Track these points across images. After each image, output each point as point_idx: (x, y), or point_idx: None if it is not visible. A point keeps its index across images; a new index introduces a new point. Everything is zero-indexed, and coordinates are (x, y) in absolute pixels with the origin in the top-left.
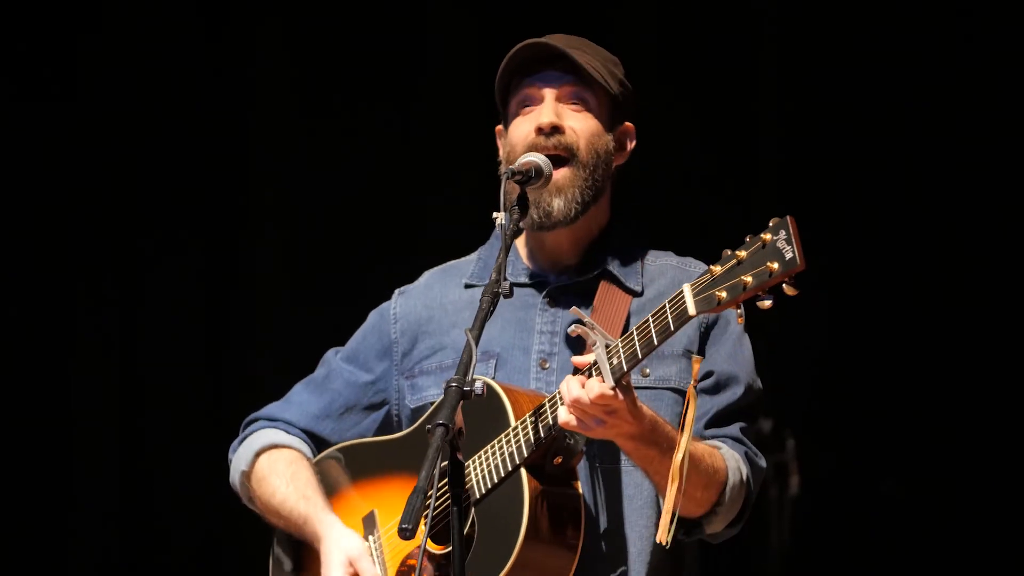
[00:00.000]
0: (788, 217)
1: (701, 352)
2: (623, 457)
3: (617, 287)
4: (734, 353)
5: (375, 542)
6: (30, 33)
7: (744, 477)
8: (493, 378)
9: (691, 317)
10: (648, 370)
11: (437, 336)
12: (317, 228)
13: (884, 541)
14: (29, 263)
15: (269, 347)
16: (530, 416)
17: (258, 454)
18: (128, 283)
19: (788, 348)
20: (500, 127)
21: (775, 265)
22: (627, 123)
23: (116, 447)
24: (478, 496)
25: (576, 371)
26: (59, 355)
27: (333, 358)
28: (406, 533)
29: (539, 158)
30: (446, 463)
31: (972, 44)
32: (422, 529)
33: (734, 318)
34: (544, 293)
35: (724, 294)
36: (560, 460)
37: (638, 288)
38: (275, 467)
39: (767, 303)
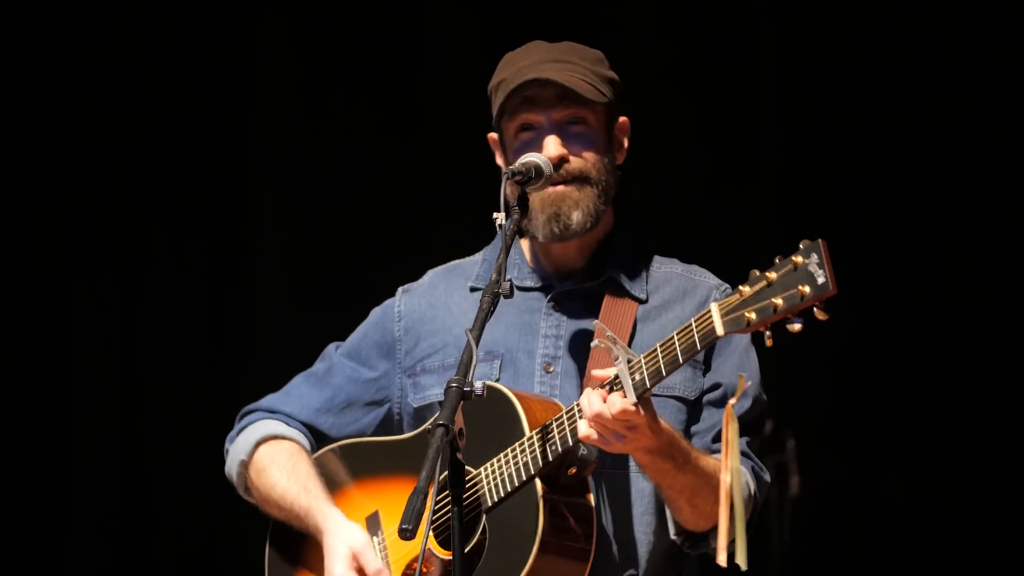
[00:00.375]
0: (820, 240)
1: (707, 363)
2: (630, 462)
3: (623, 294)
4: (742, 365)
5: (379, 543)
6: (30, 33)
7: (752, 492)
8: (498, 379)
9: (718, 337)
10: None
11: (440, 335)
12: (317, 228)
13: (884, 541)
14: (29, 263)
15: (269, 347)
16: (545, 427)
17: (258, 444)
18: (128, 283)
19: (787, 348)
20: (494, 136)
21: (807, 289)
22: (621, 119)
23: (116, 447)
24: (490, 504)
25: (592, 382)
26: (59, 355)
27: (334, 353)
28: (406, 534)
29: (539, 158)
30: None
31: (972, 44)
32: (421, 530)
33: None
34: (549, 297)
35: (753, 315)
36: (574, 471)
37: (643, 296)
38: (275, 459)
39: (797, 326)
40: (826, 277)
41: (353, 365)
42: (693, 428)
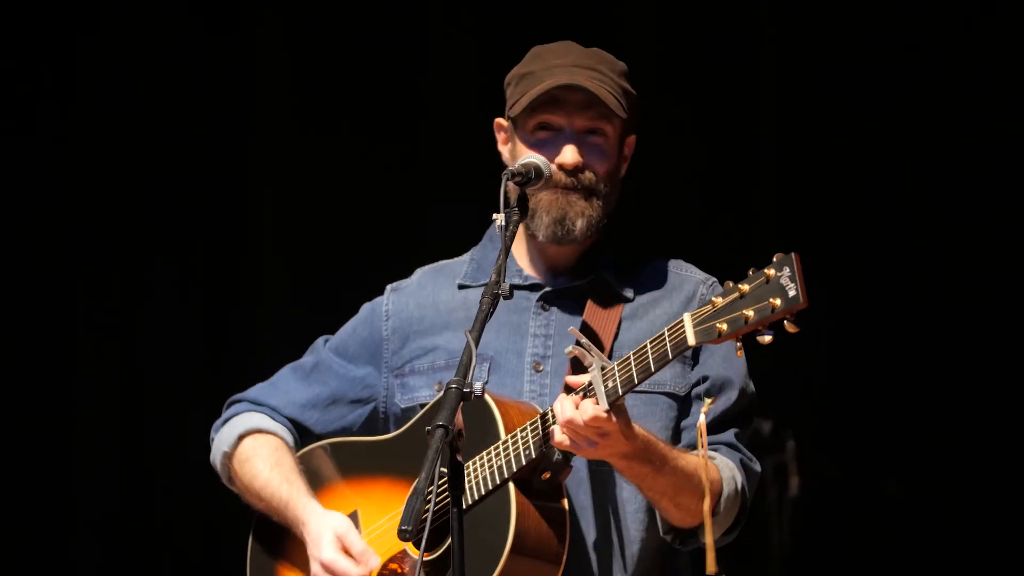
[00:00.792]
0: (793, 254)
1: (695, 356)
2: None
3: (610, 292)
4: (728, 357)
5: None
6: (30, 33)
7: (739, 486)
8: (487, 381)
9: (689, 347)
10: None
11: (429, 336)
12: (317, 228)
13: (884, 542)
14: (29, 263)
15: (269, 347)
16: (521, 431)
17: (242, 437)
18: (128, 283)
19: (787, 348)
20: (501, 120)
21: (777, 301)
22: (631, 136)
23: (116, 447)
24: (464, 506)
25: (567, 389)
26: (59, 355)
27: (322, 347)
28: (406, 535)
29: (539, 159)
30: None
31: (972, 44)
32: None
33: None
34: (538, 297)
35: (725, 327)
36: (548, 475)
37: (630, 294)
38: (259, 451)
39: (767, 338)
40: (797, 290)
41: (340, 362)
42: (683, 423)
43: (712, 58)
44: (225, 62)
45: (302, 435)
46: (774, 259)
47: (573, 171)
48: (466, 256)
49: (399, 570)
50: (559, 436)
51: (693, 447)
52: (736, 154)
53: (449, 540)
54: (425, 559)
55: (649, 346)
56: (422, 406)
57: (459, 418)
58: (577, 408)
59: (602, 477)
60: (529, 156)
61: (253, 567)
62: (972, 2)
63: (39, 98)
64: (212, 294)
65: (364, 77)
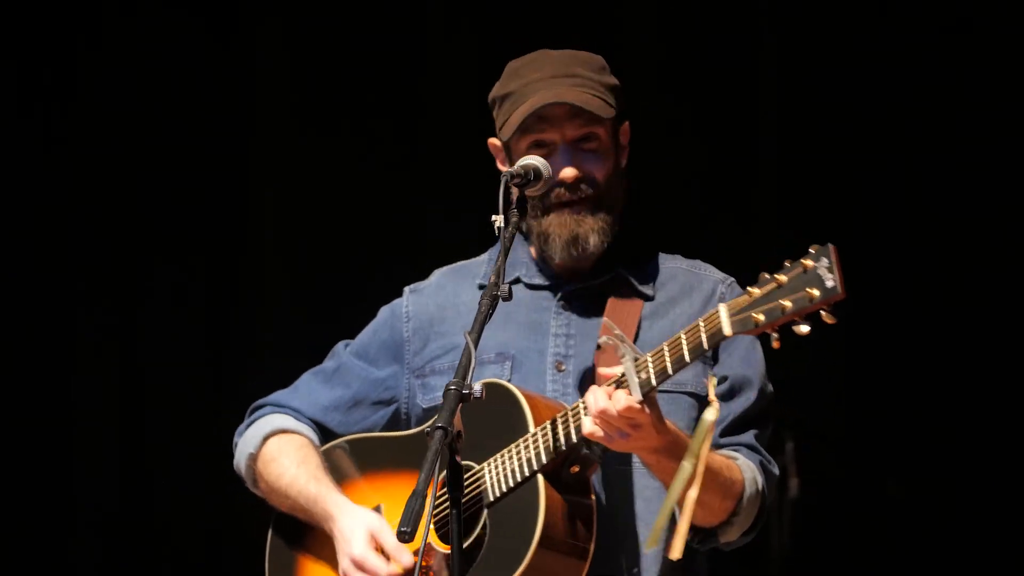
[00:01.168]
0: (830, 245)
1: (715, 357)
2: (634, 458)
3: (629, 291)
4: (747, 357)
5: None
6: (30, 33)
7: (760, 487)
8: (510, 379)
9: (725, 337)
10: None
11: (449, 336)
12: (317, 228)
13: (884, 543)
14: (29, 263)
15: (269, 347)
16: (550, 423)
17: (266, 438)
18: (128, 283)
19: (787, 349)
20: (495, 141)
21: (816, 292)
22: (624, 124)
23: (116, 447)
24: (492, 499)
25: (598, 381)
26: (59, 355)
27: (343, 351)
28: (405, 536)
29: (538, 160)
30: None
31: (972, 44)
32: (421, 529)
33: None
34: (558, 296)
35: (762, 317)
36: (577, 469)
37: (650, 292)
38: (284, 450)
39: (804, 329)
40: (835, 281)
41: (362, 364)
42: None
43: (712, 58)
44: (225, 62)
45: (325, 437)
46: (811, 250)
47: (574, 184)
48: (484, 256)
49: (424, 563)
50: (590, 427)
51: (714, 446)
52: (736, 154)
53: (476, 533)
54: (447, 552)
55: (684, 336)
56: None
57: (458, 419)
58: (610, 399)
59: (623, 477)
60: (528, 158)
61: (272, 562)
62: (972, 2)
63: (39, 98)
64: (212, 294)
65: (364, 77)
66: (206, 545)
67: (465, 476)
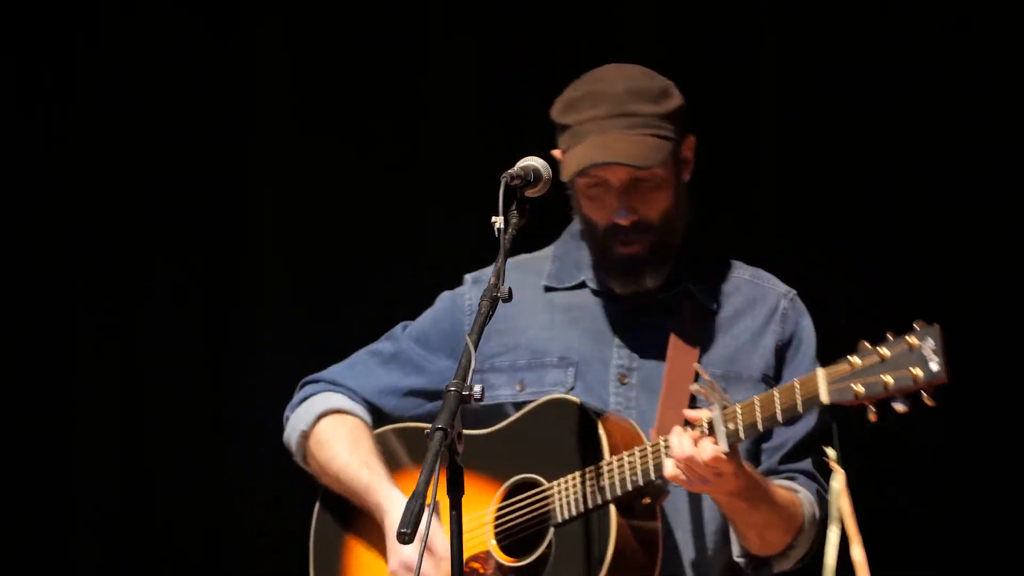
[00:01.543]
0: (937, 326)
1: (777, 377)
2: None
3: (696, 304)
4: None
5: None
6: (30, 33)
7: (817, 518)
8: (572, 387)
9: (821, 404)
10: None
11: (512, 334)
12: (317, 228)
13: (884, 542)
14: (29, 263)
15: (269, 347)
16: (628, 455)
17: (320, 416)
18: (128, 283)
19: None
20: (557, 154)
21: (919, 372)
22: (688, 138)
23: (116, 447)
24: (560, 520)
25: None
26: (59, 355)
27: (402, 335)
28: (404, 538)
29: (538, 162)
30: (537, 489)
31: (972, 44)
32: (421, 533)
33: (809, 338)
34: (624, 307)
35: (862, 389)
36: (648, 501)
37: (714, 306)
38: (337, 432)
39: (902, 408)
40: (940, 365)
41: (422, 352)
42: (763, 445)
43: (712, 58)
44: (225, 62)
45: (378, 418)
46: (916, 327)
47: (630, 229)
48: (548, 251)
49: (480, 570)
50: (672, 470)
51: (770, 472)
52: (736, 154)
53: (540, 551)
54: (514, 566)
55: (777, 395)
56: (512, 404)
57: (458, 421)
58: (696, 445)
59: (678, 494)
60: (529, 159)
61: (318, 536)
62: (972, 2)
63: (39, 98)
64: (212, 294)
65: (364, 77)
66: (206, 545)
67: (533, 492)
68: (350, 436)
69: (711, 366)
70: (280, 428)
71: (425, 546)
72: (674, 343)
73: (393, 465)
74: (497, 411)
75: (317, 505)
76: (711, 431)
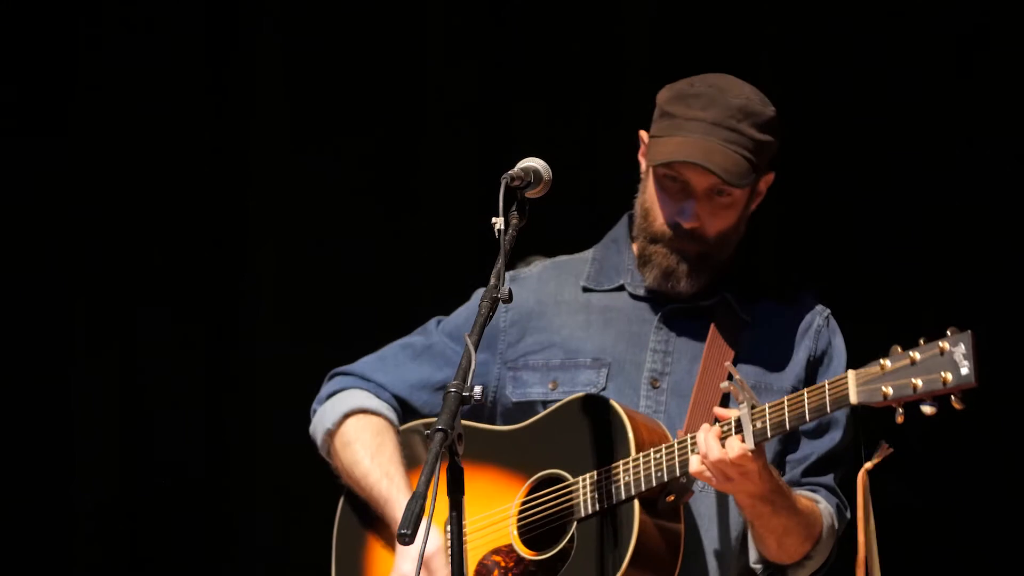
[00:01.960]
0: (969, 332)
1: (806, 384)
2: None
3: (731, 315)
4: None
5: None
6: (30, 38)
7: (836, 532)
8: (604, 388)
9: (850, 405)
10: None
11: (547, 333)
12: (318, 231)
13: (884, 543)
14: (28, 262)
15: (269, 347)
16: (655, 451)
17: (345, 416)
18: (128, 283)
19: None
20: (643, 134)
21: (949, 376)
22: (768, 175)
23: (116, 447)
24: (583, 515)
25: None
26: (59, 356)
27: (435, 329)
28: (405, 539)
29: (538, 163)
30: (563, 488)
31: (972, 44)
32: (421, 534)
33: (840, 356)
34: (661, 312)
35: (890, 391)
36: (672, 498)
37: (749, 317)
38: (361, 435)
39: (931, 410)
40: (971, 369)
41: (455, 347)
42: (788, 456)
43: (712, 58)
44: (225, 62)
45: (406, 413)
46: (948, 333)
47: (688, 232)
48: (588, 254)
49: (502, 563)
50: (698, 467)
51: (793, 483)
52: None
53: (562, 545)
54: (535, 559)
55: (806, 395)
56: (542, 403)
57: (458, 422)
58: (723, 444)
59: (699, 496)
60: (529, 160)
61: (341, 533)
62: (972, 2)
63: (40, 98)
64: (212, 294)
65: (364, 80)
66: (206, 545)
67: (557, 486)
68: (374, 441)
69: (743, 376)
70: (284, 423)
71: (424, 548)
72: (708, 351)
73: (414, 464)
74: (528, 408)
75: (341, 502)
76: (739, 429)
